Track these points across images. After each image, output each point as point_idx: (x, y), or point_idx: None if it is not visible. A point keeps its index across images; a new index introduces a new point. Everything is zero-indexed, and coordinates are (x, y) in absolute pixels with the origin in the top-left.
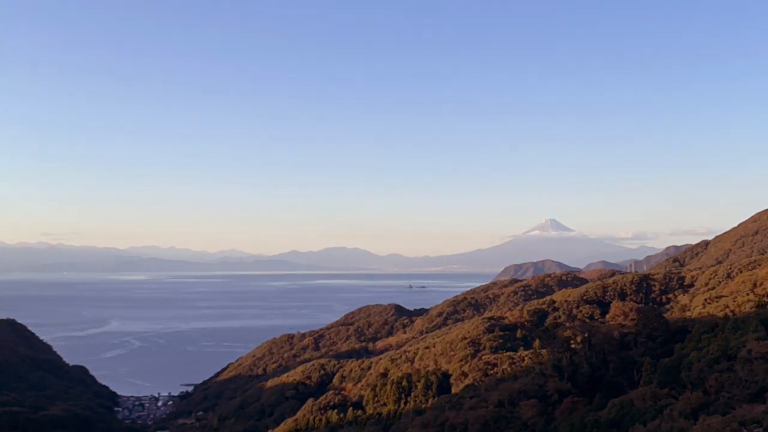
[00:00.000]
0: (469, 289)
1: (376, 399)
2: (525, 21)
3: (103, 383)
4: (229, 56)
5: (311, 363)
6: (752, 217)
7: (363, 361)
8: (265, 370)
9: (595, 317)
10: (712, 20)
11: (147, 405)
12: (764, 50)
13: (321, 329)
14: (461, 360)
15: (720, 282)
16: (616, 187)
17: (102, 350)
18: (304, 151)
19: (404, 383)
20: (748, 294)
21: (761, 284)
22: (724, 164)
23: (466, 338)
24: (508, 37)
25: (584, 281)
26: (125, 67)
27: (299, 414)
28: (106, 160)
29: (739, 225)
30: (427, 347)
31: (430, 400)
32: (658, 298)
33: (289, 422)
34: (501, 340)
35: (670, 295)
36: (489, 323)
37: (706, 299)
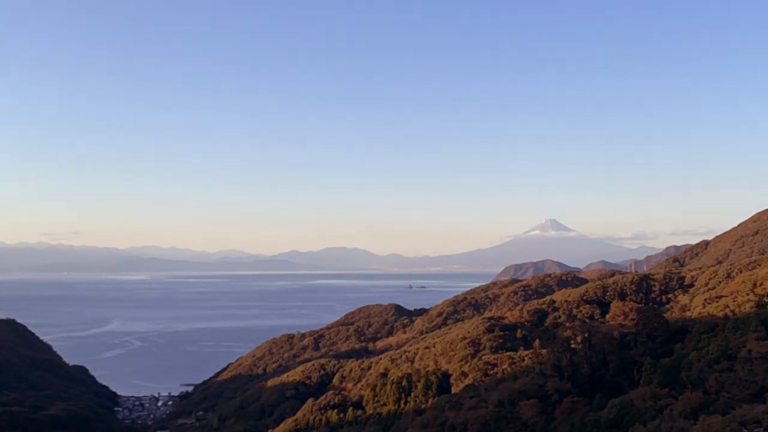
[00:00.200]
0: (469, 289)
1: (376, 399)
2: (525, 20)
3: (103, 383)
4: (229, 56)
5: (311, 363)
6: (752, 217)
7: (363, 361)
8: (265, 370)
9: (595, 317)
10: (712, 19)
11: (147, 405)
12: (765, 49)
13: (321, 329)
14: (461, 360)
15: (720, 282)
16: (616, 187)
17: (102, 350)
18: (304, 151)
19: (404, 383)
20: (748, 294)
21: (761, 284)
22: (724, 164)
23: (466, 338)
24: (508, 36)
25: (584, 281)
26: (125, 66)
27: (299, 414)
28: (107, 160)
29: (739, 225)
30: (427, 347)
31: (430, 400)
32: (658, 298)
33: (289, 422)
34: (501, 340)
35: (670, 295)
36: (489, 323)
37: (706, 299)
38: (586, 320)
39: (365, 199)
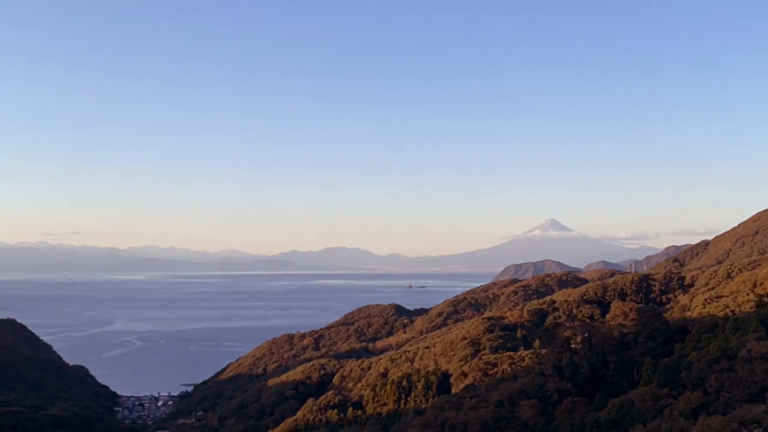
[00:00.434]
0: (469, 289)
1: (376, 399)
2: (525, 19)
3: (103, 383)
4: (229, 56)
5: (311, 363)
6: (752, 217)
7: (363, 361)
8: (265, 370)
9: (595, 317)
10: (712, 18)
11: (147, 405)
12: (765, 48)
13: (321, 329)
14: (461, 360)
15: (720, 282)
16: (616, 187)
17: (102, 350)
18: (304, 151)
19: (404, 383)
20: (748, 294)
21: (761, 284)
22: (724, 164)
23: (466, 338)
24: (508, 36)
25: (584, 281)
26: (125, 66)
27: (299, 414)
28: (107, 160)
29: (739, 225)
30: (427, 347)
31: (430, 400)
32: (658, 298)
33: (289, 422)
34: (501, 340)
35: (670, 295)
36: (489, 323)
37: (706, 299)
38: (586, 320)
39: (365, 199)
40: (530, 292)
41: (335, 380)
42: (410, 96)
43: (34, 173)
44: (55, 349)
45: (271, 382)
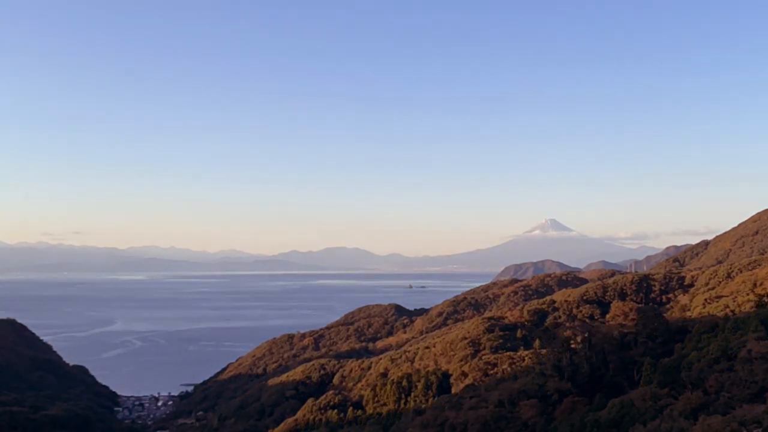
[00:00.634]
0: (469, 289)
1: (376, 399)
2: (526, 19)
3: (103, 383)
4: (229, 55)
5: (311, 363)
6: (752, 217)
7: (363, 361)
8: (265, 369)
9: (595, 317)
10: (712, 17)
11: (147, 405)
12: (765, 47)
13: (321, 329)
14: (461, 360)
15: (720, 282)
16: (616, 187)
17: (102, 350)
18: (304, 151)
19: (404, 383)
20: (748, 294)
21: (761, 284)
22: (725, 164)
23: (466, 338)
24: (508, 35)
25: (584, 281)
26: (125, 66)
27: (299, 414)
28: (107, 160)
29: (739, 225)
30: (427, 347)
31: (430, 400)
32: (658, 298)
33: (289, 422)
34: (501, 340)
35: (670, 295)
36: (489, 323)
37: (706, 299)
38: (586, 320)
39: (365, 199)
40: (530, 292)
41: (335, 380)
42: (410, 96)
43: (34, 173)
44: (55, 349)
45: (271, 382)
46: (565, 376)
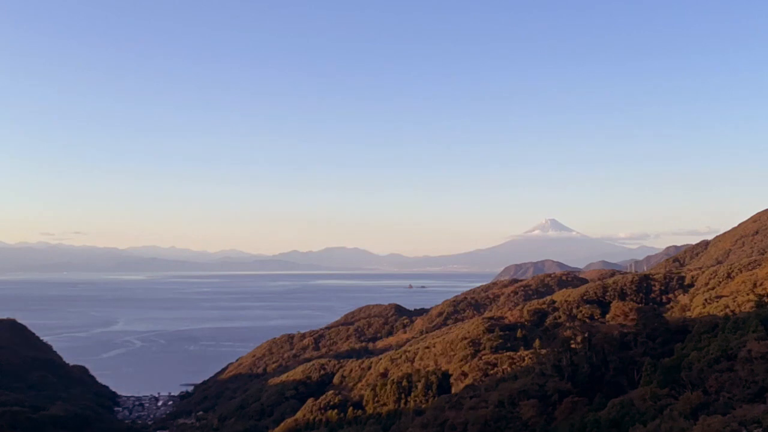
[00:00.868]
0: (469, 289)
1: (376, 399)
2: (526, 18)
3: (103, 383)
4: (229, 56)
5: (311, 363)
6: (752, 217)
7: (363, 361)
8: (265, 369)
9: (596, 317)
10: (712, 17)
11: (147, 405)
12: (765, 47)
13: (321, 329)
14: (461, 360)
15: (720, 282)
16: (616, 187)
17: (102, 350)
18: (304, 151)
19: (404, 383)
20: (748, 294)
21: (761, 284)
22: (725, 164)
23: (466, 338)
24: (508, 35)
25: (584, 281)
26: (125, 66)
27: (299, 414)
28: (107, 160)
29: (739, 225)
30: (427, 347)
31: (430, 400)
32: (658, 298)
33: (289, 422)
34: (501, 340)
35: (670, 295)
36: (489, 323)
37: (706, 299)
38: (586, 320)
39: (365, 199)
40: (530, 292)
41: (335, 380)
42: (410, 96)
43: (35, 173)
44: (55, 349)
45: (271, 382)
46: (565, 376)
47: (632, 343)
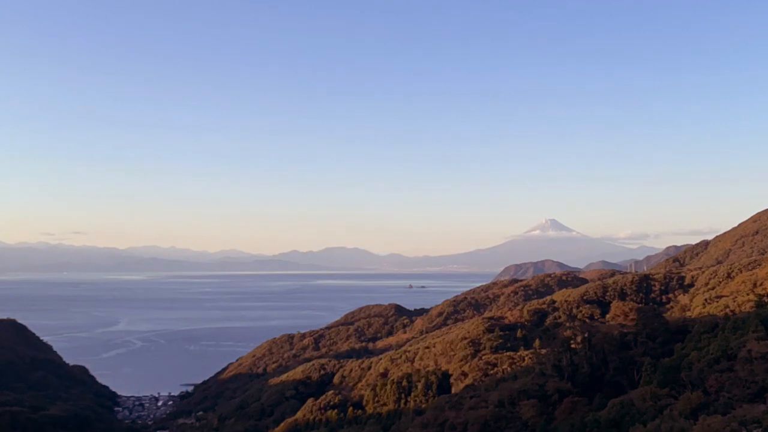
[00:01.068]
0: (469, 289)
1: (376, 399)
2: (526, 18)
3: (103, 383)
4: (229, 54)
5: (311, 363)
6: (752, 217)
7: (363, 361)
8: (265, 369)
9: (596, 317)
10: (712, 16)
11: (147, 405)
12: (765, 46)
13: (321, 329)
14: (461, 360)
15: (720, 282)
16: (616, 187)
17: (102, 350)
18: (304, 151)
19: (404, 383)
20: (748, 294)
21: (761, 284)
22: (725, 164)
23: (466, 338)
24: (508, 35)
25: (584, 281)
26: (125, 65)
27: (299, 414)
28: (107, 160)
29: (739, 225)
30: (427, 347)
31: (430, 400)
32: (658, 298)
33: (289, 422)
34: (501, 340)
35: (670, 295)
36: (489, 323)
37: (706, 299)
38: (586, 320)
39: (365, 199)
40: (530, 292)
41: (335, 380)
42: (410, 95)
43: (34, 173)
44: (55, 349)
45: (272, 382)
46: (565, 376)
47: (632, 343)
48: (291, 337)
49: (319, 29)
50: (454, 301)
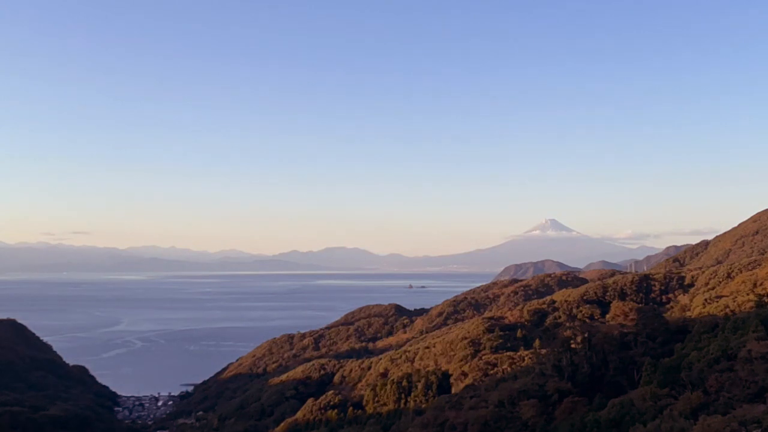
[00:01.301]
0: (469, 289)
1: (376, 399)
2: (526, 18)
3: (103, 383)
4: (229, 54)
5: (311, 363)
6: (752, 217)
7: (363, 361)
8: (265, 369)
9: (596, 317)
10: (712, 16)
11: (147, 405)
12: (766, 47)
13: (321, 329)
14: (461, 360)
15: (720, 282)
16: (616, 187)
17: (102, 350)
18: (304, 151)
19: (404, 383)
20: (748, 294)
21: (761, 284)
22: (725, 164)
23: (466, 338)
24: (508, 35)
25: (584, 281)
26: (125, 65)
27: (299, 414)
28: (107, 160)
29: (739, 225)
30: (427, 347)
31: (430, 400)
32: (658, 298)
33: (289, 422)
34: (501, 340)
35: (670, 295)
36: (489, 323)
37: (706, 299)
38: (586, 320)
39: (365, 199)
40: (530, 292)
41: (335, 380)
42: (410, 95)
43: (34, 173)
44: (55, 349)
45: (272, 382)
46: (565, 376)
47: (632, 343)
48: (291, 337)
49: (319, 29)
50: (454, 301)
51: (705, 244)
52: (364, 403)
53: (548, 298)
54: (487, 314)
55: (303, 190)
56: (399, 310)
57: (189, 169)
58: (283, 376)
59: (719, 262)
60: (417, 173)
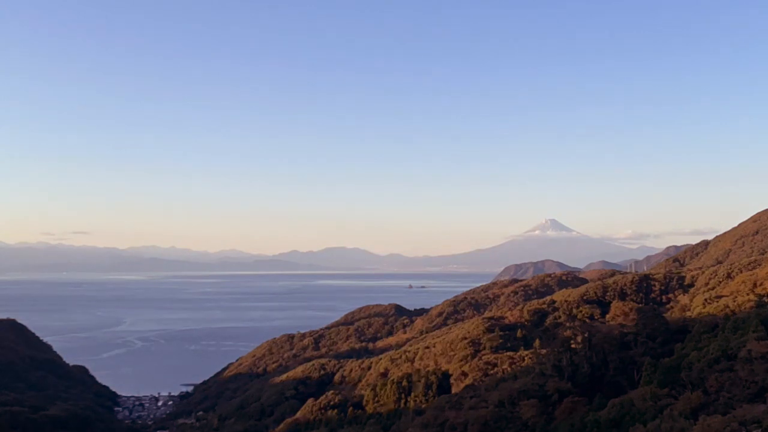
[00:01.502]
0: (469, 289)
1: (376, 399)
2: (525, 18)
3: (103, 383)
4: (229, 54)
5: (311, 363)
6: (752, 217)
7: (363, 361)
8: (265, 369)
9: (596, 317)
10: (712, 16)
11: (147, 405)
12: (766, 47)
13: (321, 329)
14: (461, 360)
15: (720, 282)
16: (616, 187)
17: (102, 350)
18: (304, 151)
19: (404, 383)
20: (748, 294)
21: (761, 284)
22: (725, 163)
23: (466, 338)
24: (508, 35)
25: (584, 281)
26: (125, 65)
27: (299, 414)
28: (107, 160)
29: (739, 225)
30: (427, 347)
31: (430, 400)
32: (658, 298)
33: (289, 422)
34: (501, 340)
35: (670, 295)
36: (489, 323)
37: (706, 299)
38: (586, 320)
39: (365, 199)
40: (530, 292)
41: (335, 380)
42: (410, 95)
43: (34, 173)
44: (55, 349)
45: (272, 382)
46: (565, 376)
47: (632, 343)
48: (291, 337)
49: (319, 29)
50: (454, 301)
51: (705, 244)
52: (364, 403)
53: (548, 298)
54: (487, 314)
55: (303, 190)
56: (399, 310)
57: (189, 169)
58: (283, 376)
59: (719, 262)
60: (417, 173)
